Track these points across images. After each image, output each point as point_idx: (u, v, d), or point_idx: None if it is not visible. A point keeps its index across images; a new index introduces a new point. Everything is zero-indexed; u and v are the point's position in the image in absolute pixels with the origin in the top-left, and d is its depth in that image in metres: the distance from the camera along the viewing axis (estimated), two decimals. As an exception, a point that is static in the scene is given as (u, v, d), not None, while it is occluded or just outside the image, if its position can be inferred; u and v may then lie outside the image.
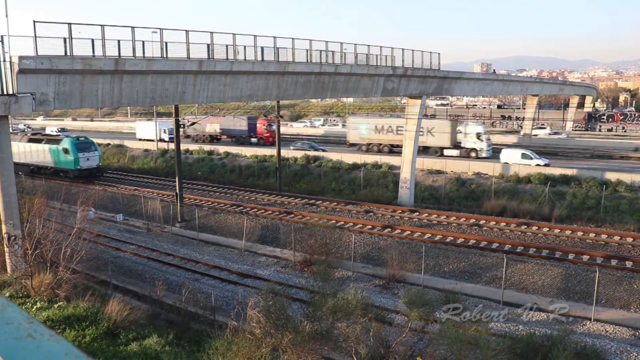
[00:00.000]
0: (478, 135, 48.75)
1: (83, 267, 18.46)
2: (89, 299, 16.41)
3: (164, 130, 64.11)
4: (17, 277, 17.92)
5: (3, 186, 18.28)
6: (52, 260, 17.83)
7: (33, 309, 15.83)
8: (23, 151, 46.88)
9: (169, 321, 16.95)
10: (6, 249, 18.62)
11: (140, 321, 15.71)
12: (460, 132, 50.19)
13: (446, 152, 49.20)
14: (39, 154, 45.83)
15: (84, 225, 19.65)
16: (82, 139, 46.02)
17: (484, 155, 47.88)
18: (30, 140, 47.67)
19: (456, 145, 49.65)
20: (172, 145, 58.63)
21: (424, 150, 47.93)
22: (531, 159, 41.53)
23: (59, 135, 51.52)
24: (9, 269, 18.72)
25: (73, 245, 17.80)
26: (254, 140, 61.83)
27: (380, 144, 51.93)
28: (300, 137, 68.69)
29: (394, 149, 49.69)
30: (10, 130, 77.79)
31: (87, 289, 17.86)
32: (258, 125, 62.34)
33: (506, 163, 41.04)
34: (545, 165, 40.37)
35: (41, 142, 46.52)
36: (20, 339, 1.09)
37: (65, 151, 43.46)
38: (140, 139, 64.44)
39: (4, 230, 18.57)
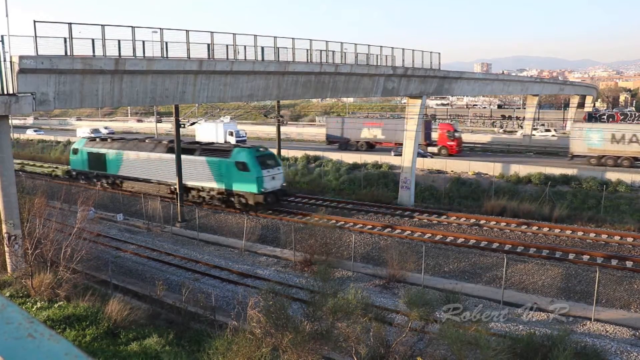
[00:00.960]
0: None
1: (83, 266, 18.47)
2: (89, 299, 16.41)
3: (230, 132, 56.82)
4: (17, 277, 17.92)
5: (3, 186, 18.27)
6: (52, 260, 17.84)
7: (33, 309, 15.83)
8: (159, 165, 35.42)
9: (169, 321, 16.94)
10: (6, 249, 18.62)
11: (140, 321, 15.71)
12: None
13: None
14: (190, 170, 33.27)
15: (84, 225, 19.65)
16: (262, 149, 33.09)
17: None
18: (172, 150, 33.21)
19: None
20: None
21: (627, 161, 41.14)
22: None
23: (213, 142, 39.29)
24: (9, 269, 18.72)
25: (73, 245, 17.80)
26: (432, 149, 50.08)
27: (619, 157, 42.09)
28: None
29: (637, 163, 41.45)
30: (105, 135, 60.87)
31: (87, 288, 17.86)
32: (438, 130, 51.86)
33: None
34: None
35: (193, 152, 33.77)
36: (21, 338, 1.09)
37: (242, 167, 31.00)
38: None
39: (4, 230, 18.56)
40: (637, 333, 16.48)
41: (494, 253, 23.43)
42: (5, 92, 16.96)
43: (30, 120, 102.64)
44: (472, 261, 22.91)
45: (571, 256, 22.98)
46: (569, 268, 21.30)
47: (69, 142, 66.16)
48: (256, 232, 27.90)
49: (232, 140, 55.43)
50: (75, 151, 42.96)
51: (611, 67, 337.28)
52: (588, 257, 22.75)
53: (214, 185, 32.74)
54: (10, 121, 23.40)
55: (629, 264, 21.91)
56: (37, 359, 1.04)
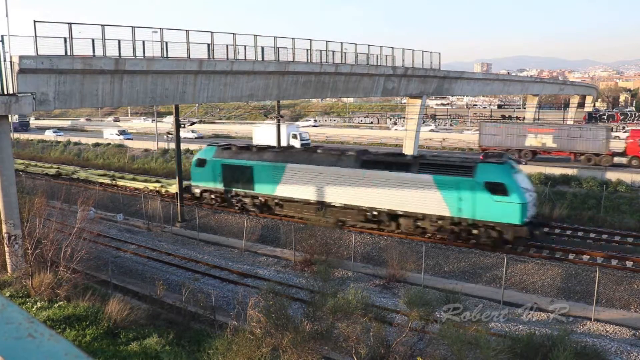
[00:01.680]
0: None
1: (83, 266, 18.47)
2: (89, 299, 16.41)
3: (294, 134, 50.70)
4: (17, 277, 17.93)
5: (3, 186, 18.28)
6: (52, 260, 17.84)
7: (33, 309, 15.82)
8: (346, 185, 26.68)
9: (169, 321, 16.95)
10: (6, 249, 18.62)
11: (140, 321, 15.71)
12: None
13: None
14: (400, 191, 25.18)
15: (84, 225, 19.65)
16: (515, 163, 25.91)
17: None
18: (370, 164, 26.32)
19: None
20: None
21: None
22: None
23: (426, 155, 30.63)
24: (9, 269, 18.72)
25: (73, 244, 17.80)
26: (620, 159, 41.93)
27: None
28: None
29: None
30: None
31: (87, 288, 17.86)
32: (629, 139, 43.32)
33: None
34: None
35: (408, 168, 25.28)
36: (21, 338, 1.09)
37: (496, 189, 22.75)
38: None
39: (4, 230, 18.57)
40: (637, 333, 16.48)
41: (494, 253, 23.39)
42: (5, 92, 16.97)
43: (68, 122, 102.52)
44: (472, 261, 22.90)
45: (571, 256, 22.97)
46: (569, 268, 21.28)
47: (69, 142, 66.20)
48: (256, 232, 27.90)
49: (297, 144, 48.26)
50: (202, 162, 32.79)
51: (611, 67, 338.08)
52: (588, 257, 22.75)
53: (444, 212, 24.23)
54: (10, 121, 23.40)
55: (629, 264, 21.90)
56: (37, 359, 1.04)
